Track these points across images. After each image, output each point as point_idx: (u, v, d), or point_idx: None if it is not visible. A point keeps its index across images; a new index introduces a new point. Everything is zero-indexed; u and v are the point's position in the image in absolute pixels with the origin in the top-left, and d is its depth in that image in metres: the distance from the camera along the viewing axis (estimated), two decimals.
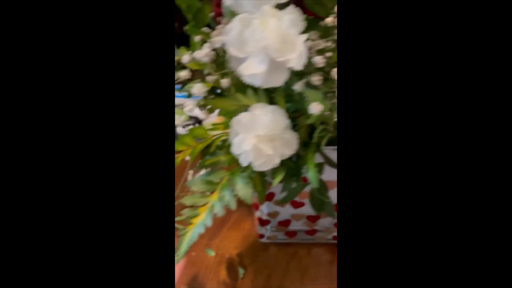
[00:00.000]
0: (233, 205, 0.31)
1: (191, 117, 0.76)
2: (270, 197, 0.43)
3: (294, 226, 0.48)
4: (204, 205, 0.33)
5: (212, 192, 0.33)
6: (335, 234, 0.48)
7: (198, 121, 0.74)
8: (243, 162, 0.31)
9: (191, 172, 0.58)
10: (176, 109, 0.82)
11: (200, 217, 0.32)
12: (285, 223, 0.47)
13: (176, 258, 0.31)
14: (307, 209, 0.45)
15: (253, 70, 0.25)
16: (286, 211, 0.45)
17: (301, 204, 0.44)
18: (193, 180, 0.33)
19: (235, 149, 0.31)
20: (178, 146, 0.36)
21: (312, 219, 0.46)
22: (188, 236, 0.31)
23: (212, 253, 0.48)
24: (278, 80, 0.27)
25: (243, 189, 0.32)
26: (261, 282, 0.46)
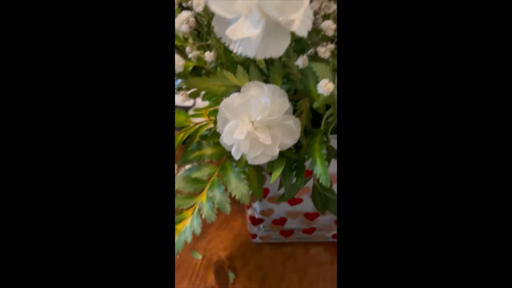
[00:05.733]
0: (227, 208, 0.26)
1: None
2: (264, 193, 0.38)
3: (290, 224, 0.43)
4: (190, 207, 0.27)
5: (199, 192, 0.27)
6: (335, 232, 0.44)
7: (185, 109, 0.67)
8: (235, 155, 0.25)
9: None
10: None
11: (186, 222, 0.26)
12: (280, 221, 0.42)
13: None
14: (305, 206, 0.40)
15: (244, 33, 0.19)
16: (282, 208, 0.41)
17: (299, 201, 0.39)
18: (175, 177, 0.28)
19: (225, 139, 0.25)
20: None
21: (310, 216, 0.42)
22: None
23: (198, 256, 0.43)
24: (277, 49, 0.21)
25: (239, 187, 0.26)
26: (254, 286, 0.42)
